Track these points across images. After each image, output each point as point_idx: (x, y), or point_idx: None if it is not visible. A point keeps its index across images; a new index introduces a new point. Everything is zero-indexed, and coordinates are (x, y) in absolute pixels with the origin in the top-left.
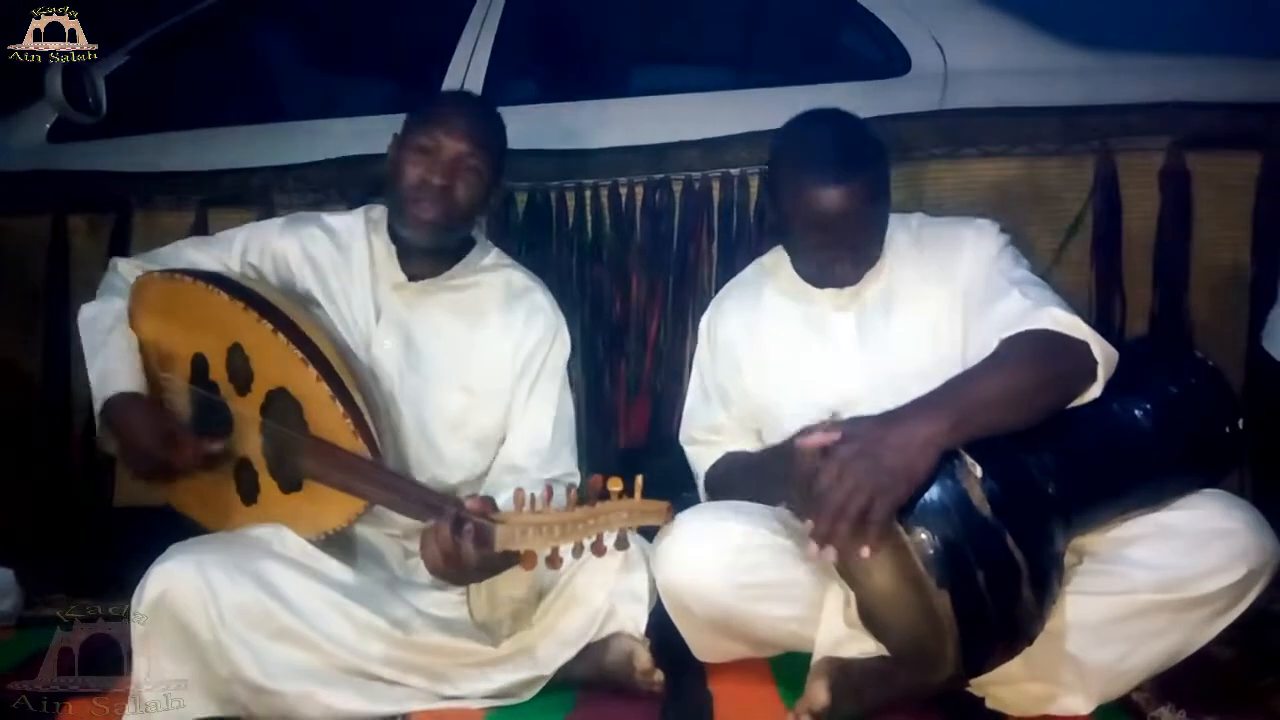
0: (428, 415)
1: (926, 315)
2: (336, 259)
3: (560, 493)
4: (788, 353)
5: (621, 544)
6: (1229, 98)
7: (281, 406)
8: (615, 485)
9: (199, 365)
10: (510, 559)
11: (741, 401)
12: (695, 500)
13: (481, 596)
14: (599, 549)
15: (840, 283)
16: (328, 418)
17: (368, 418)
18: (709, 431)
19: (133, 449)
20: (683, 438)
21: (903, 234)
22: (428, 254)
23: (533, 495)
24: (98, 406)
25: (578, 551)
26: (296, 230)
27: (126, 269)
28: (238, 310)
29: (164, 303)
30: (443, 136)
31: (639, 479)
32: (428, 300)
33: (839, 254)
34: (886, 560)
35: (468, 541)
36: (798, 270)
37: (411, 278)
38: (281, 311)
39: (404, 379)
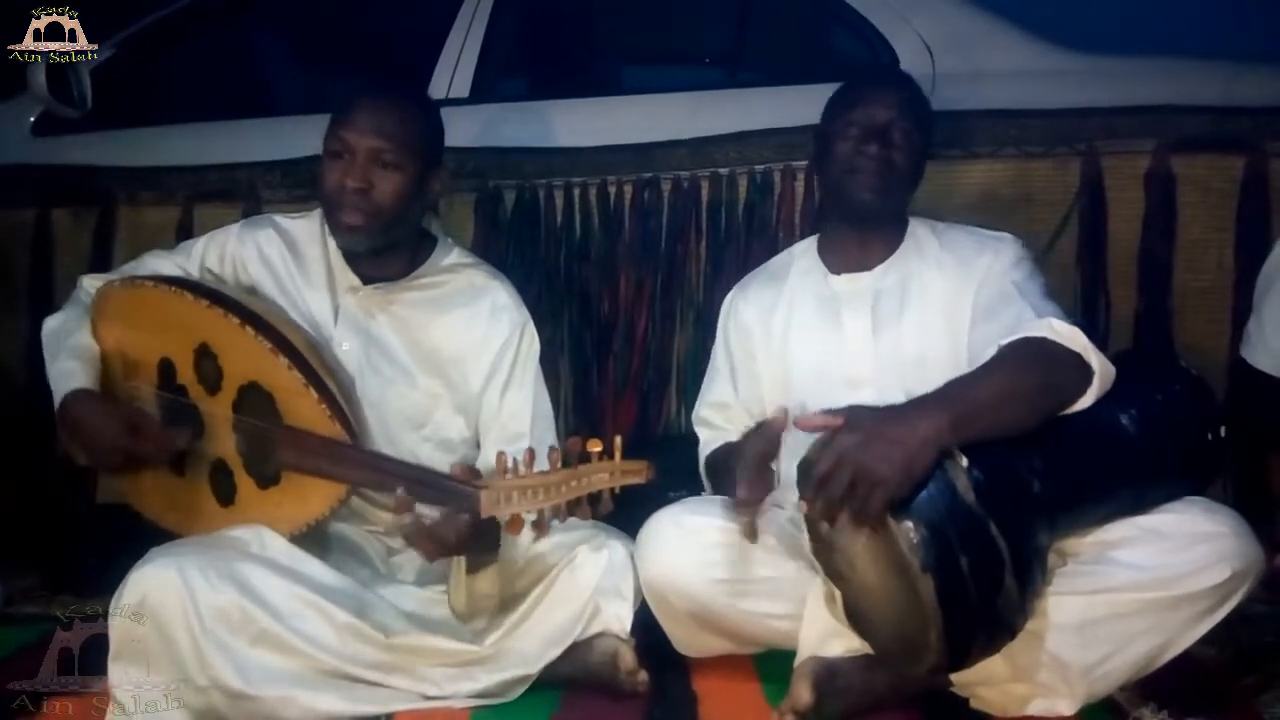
0: (389, 415)
1: (939, 309)
2: (291, 261)
3: (542, 456)
4: (801, 334)
5: (603, 507)
6: (1214, 101)
7: (254, 401)
8: (595, 446)
9: (166, 370)
10: (495, 527)
11: (749, 385)
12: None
13: (461, 593)
14: (583, 512)
15: (859, 262)
16: (303, 405)
17: (342, 401)
18: (715, 410)
19: (94, 441)
20: (694, 416)
21: (926, 231)
22: (377, 256)
23: (515, 459)
24: (57, 408)
25: (562, 516)
26: (253, 233)
27: (90, 283)
28: (203, 309)
29: (127, 310)
30: (352, 137)
31: (618, 439)
32: (387, 302)
33: (866, 192)
34: (872, 549)
35: (452, 514)
36: (823, 255)
37: (367, 280)
38: (247, 306)
39: (365, 379)
